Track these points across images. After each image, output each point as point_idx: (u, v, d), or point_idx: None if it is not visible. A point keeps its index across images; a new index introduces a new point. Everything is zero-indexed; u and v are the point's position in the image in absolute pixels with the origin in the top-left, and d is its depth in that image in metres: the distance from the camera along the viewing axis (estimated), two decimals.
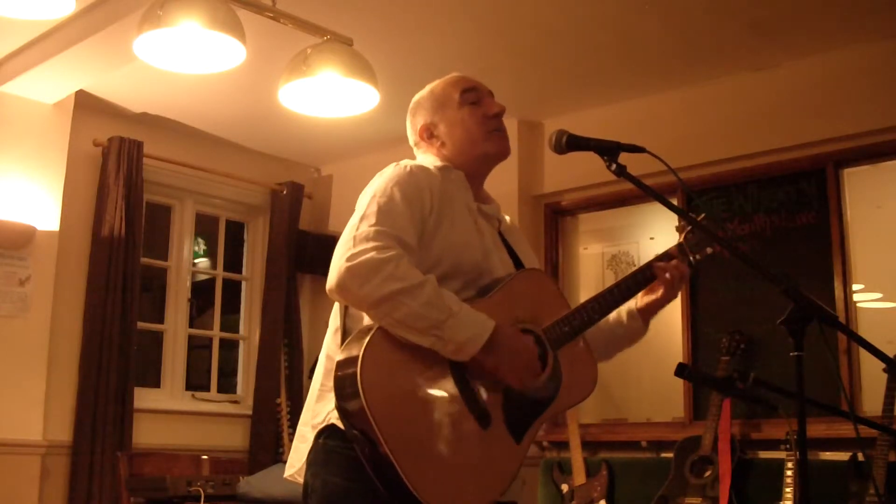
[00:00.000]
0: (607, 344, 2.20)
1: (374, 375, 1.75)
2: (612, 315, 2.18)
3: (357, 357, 1.76)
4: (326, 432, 1.89)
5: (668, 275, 2.13)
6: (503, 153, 2.16)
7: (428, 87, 2.21)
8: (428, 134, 2.16)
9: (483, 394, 1.86)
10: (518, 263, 2.14)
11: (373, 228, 1.83)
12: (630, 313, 2.19)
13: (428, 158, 2.14)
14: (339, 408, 1.82)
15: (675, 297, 2.18)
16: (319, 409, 1.92)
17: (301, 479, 1.98)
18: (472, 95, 2.15)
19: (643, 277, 2.15)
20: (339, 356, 1.84)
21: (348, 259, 1.79)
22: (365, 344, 1.77)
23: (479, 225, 2.06)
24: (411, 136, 2.23)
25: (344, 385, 1.79)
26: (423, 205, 1.94)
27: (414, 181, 1.95)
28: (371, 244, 1.80)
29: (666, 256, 2.18)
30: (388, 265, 1.78)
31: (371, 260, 1.78)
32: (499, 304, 1.92)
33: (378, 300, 1.77)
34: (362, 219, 1.86)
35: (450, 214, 1.98)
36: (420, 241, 1.91)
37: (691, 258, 2.22)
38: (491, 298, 1.93)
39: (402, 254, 1.81)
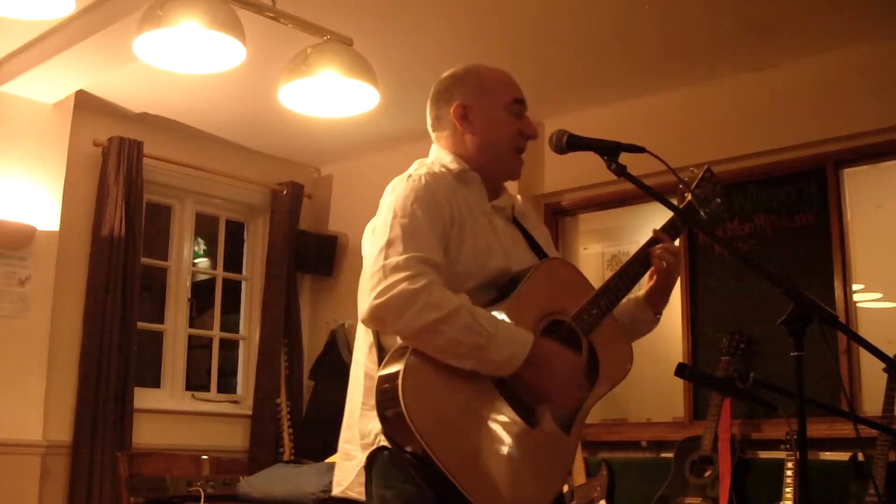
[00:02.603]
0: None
1: (415, 394, 1.74)
2: (622, 304, 2.15)
3: (397, 375, 1.75)
4: (378, 456, 1.87)
5: (661, 260, 2.11)
6: (516, 175, 2.16)
7: (473, 69, 2.15)
8: (462, 114, 2.08)
9: (525, 392, 1.85)
10: (536, 249, 2.11)
11: (402, 257, 1.79)
12: (638, 303, 2.18)
13: (444, 156, 2.09)
14: (386, 431, 1.81)
15: (676, 277, 2.16)
16: (366, 427, 1.90)
17: (353, 494, 1.97)
18: (520, 108, 2.12)
19: (647, 259, 2.15)
20: (381, 373, 1.82)
21: (381, 293, 1.76)
22: (404, 362, 1.76)
23: (495, 225, 2.05)
24: (437, 111, 2.14)
25: (386, 405, 1.77)
26: (444, 217, 1.91)
27: (431, 194, 1.92)
28: (402, 274, 1.77)
29: (652, 242, 2.15)
30: (422, 295, 1.75)
31: (403, 292, 1.75)
32: (524, 300, 1.91)
33: (416, 332, 1.76)
34: (388, 245, 1.82)
35: (470, 223, 1.97)
36: (445, 256, 1.89)
37: (702, 213, 2.23)
38: (515, 297, 1.91)
39: (433, 280, 1.79)
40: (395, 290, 1.76)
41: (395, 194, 1.93)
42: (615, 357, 2.04)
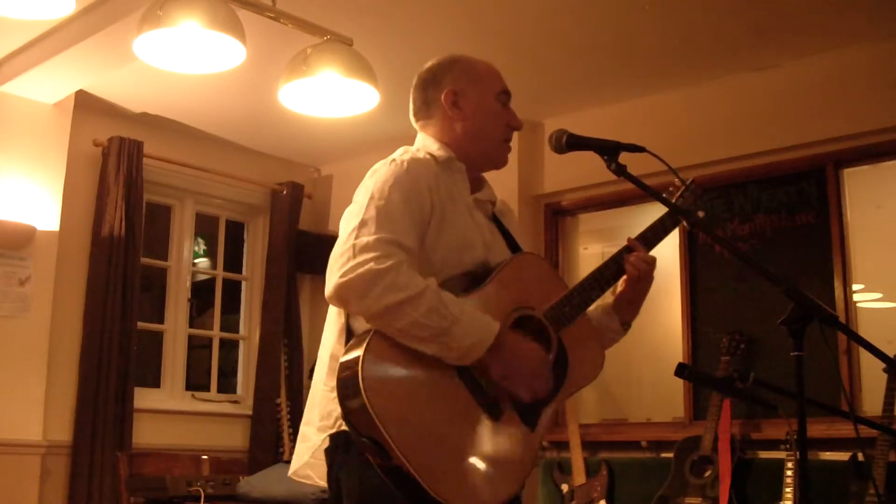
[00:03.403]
0: None
1: (376, 378, 1.72)
2: (591, 311, 2.14)
3: (357, 360, 1.73)
4: (341, 439, 1.86)
5: (635, 268, 2.09)
6: (503, 164, 2.15)
7: (462, 58, 2.14)
8: (453, 100, 2.07)
9: (489, 385, 1.83)
10: (514, 248, 2.10)
11: (373, 237, 1.78)
12: (606, 311, 2.16)
13: (430, 144, 2.07)
14: (345, 415, 1.79)
15: (647, 287, 2.13)
16: (326, 409, 1.89)
17: (297, 478, 1.97)
18: (507, 98, 2.12)
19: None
20: (342, 359, 1.81)
21: (347, 272, 1.75)
22: (364, 347, 1.74)
23: (476, 217, 2.03)
24: (424, 96, 2.12)
25: (346, 390, 1.76)
26: (423, 204, 1.90)
27: (412, 180, 1.90)
28: (370, 254, 1.76)
29: (627, 249, 2.13)
30: (388, 275, 1.74)
31: (369, 271, 1.74)
32: (495, 291, 1.89)
33: (379, 312, 1.74)
34: (361, 225, 1.81)
35: (451, 212, 1.95)
36: (422, 243, 1.88)
37: (684, 222, 2.20)
38: (487, 287, 1.90)
39: (401, 261, 1.77)
40: (361, 270, 1.74)
41: (375, 178, 1.92)
42: (586, 359, 2.02)
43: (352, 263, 1.76)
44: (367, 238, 1.78)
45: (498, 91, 2.11)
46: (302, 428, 2.00)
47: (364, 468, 1.80)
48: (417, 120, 2.15)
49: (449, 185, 1.99)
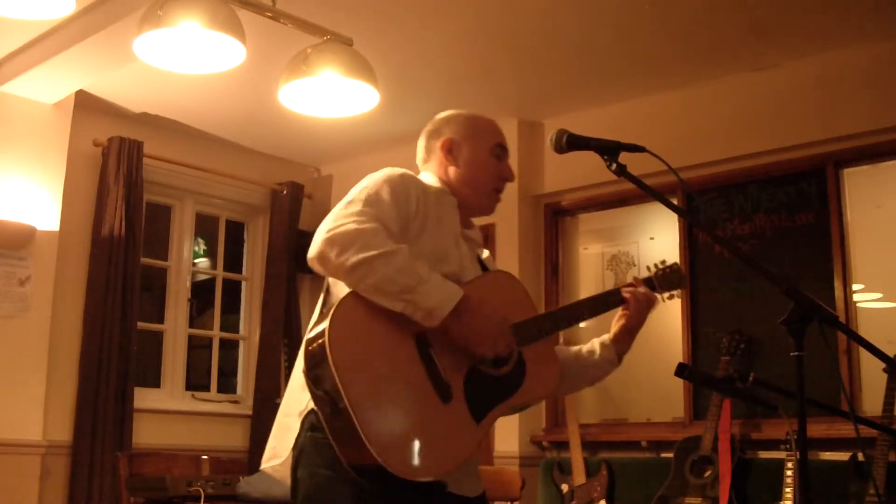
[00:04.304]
0: (579, 372, 2.26)
1: (340, 338, 1.84)
2: (586, 346, 2.26)
3: (326, 321, 1.85)
4: (309, 420, 1.95)
5: (634, 298, 2.20)
6: (489, 212, 2.27)
7: (464, 113, 2.28)
8: (449, 149, 2.21)
9: (446, 370, 1.93)
10: None
11: (357, 208, 1.93)
12: (603, 343, 2.25)
13: (430, 177, 2.21)
14: (308, 373, 1.90)
15: (643, 322, 2.23)
16: (304, 396, 1.97)
17: (281, 472, 2.02)
18: (501, 152, 2.24)
19: (613, 300, 2.25)
20: (311, 324, 1.94)
21: (331, 230, 1.90)
22: (333, 309, 1.87)
23: (461, 247, 2.14)
24: (426, 145, 2.27)
25: (313, 349, 1.88)
26: (409, 207, 2.02)
27: (403, 185, 2.03)
28: (353, 217, 1.91)
29: (630, 285, 2.25)
30: (366, 235, 1.88)
31: (349, 230, 1.88)
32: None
33: (353, 266, 1.85)
34: (349, 203, 1.96)
35: (434, 226, 2.06)
36: (403, 237, 1.98)
37: (661, 297, 2.31)
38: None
39: (380, 227, 1.90)
40: (343, 228, 1.89)
41: (370, 176, 2.06)
42: (542, 376, 2.11)
43: (337, 223, 1.91)
44: (353, 209, 1.94)
45: (492, 145, 2.23)
46: (281, 419, 2.06)
47: (318, 465, 1.90)
48: (422, 165, 2.29)
49: (438, 209, 2.10)
